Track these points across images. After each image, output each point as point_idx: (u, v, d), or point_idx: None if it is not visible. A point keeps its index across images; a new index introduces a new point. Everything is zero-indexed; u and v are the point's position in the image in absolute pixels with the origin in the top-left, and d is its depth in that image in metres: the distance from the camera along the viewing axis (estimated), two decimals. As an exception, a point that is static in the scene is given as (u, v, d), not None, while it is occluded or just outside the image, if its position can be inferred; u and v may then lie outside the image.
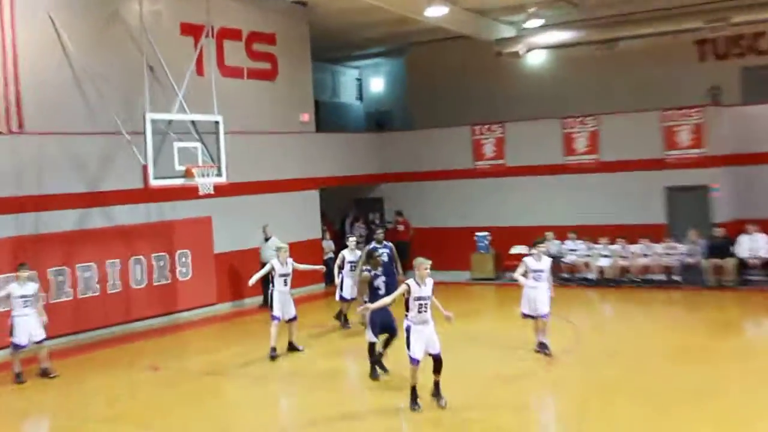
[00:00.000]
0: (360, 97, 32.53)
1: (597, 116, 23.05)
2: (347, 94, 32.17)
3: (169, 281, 19.54)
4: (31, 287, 14.34)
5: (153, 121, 16.11)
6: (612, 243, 21.73)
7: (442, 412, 11.06)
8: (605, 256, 21.68)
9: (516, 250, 23.50)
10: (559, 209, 23.39)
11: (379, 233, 17.41)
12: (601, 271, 21.65)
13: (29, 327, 14.16)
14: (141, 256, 18.93)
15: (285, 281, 15.06)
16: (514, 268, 23.12)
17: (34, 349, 14.37)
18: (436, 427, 10.69)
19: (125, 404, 12.70)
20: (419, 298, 11.10)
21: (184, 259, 19.89)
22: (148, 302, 19.02)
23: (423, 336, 11.07)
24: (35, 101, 17.08)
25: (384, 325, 12.88)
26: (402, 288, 11.15)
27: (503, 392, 12.18)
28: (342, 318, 17.45)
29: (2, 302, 14.56)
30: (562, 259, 22.21)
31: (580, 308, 19.30)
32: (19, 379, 14.05)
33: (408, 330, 11.09)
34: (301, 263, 15.72)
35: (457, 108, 26.83)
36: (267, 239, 20.36)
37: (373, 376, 12.94)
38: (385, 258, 16.82)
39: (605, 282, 21.49)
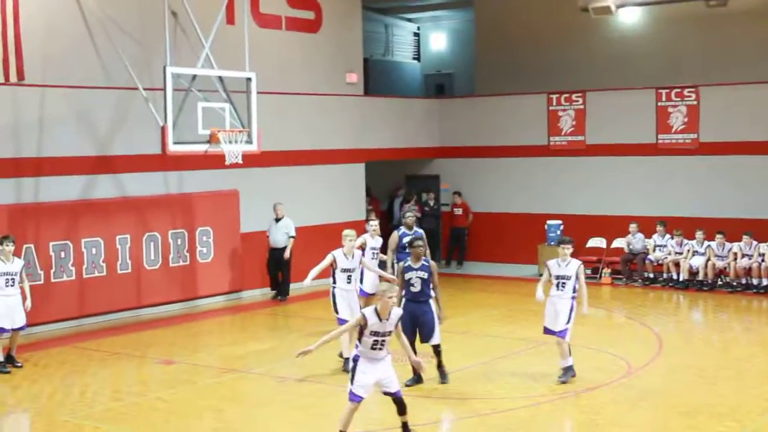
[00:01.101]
0: (417, 56, 32.44)
1: (699, 88, 22.75)
2: (402, 52, 32.10)
3: (187, 263, 19.75)
4: (17, 264, 14.56)
5: (174, 76, 16.18)
6: (708, 239, 21.47)
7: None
8: (698, 253, 21.43)
9: (593, 242, 23.39)
10: (647, 197, 23.16)
11: (409, 216, 17.06)
12: (693, 271, 21.40)
13: (12, 310, 14.38)
14: (156, 233, 19.16)
15: (349, 278, 14.23)
16: (589, 265, 23.32)
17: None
18: None
19: (132, 402, 12.87)
20: (375, 333, 10.27)
21: (205, 238, 20.09)
22: (162, 286, 19.27)
23: (375, 370, 10.39)
24: (38, 47, 17.26)
25: (415, 325, 12.79)
26: (356, 318, 10.50)
27: (570, 407, 12.14)
28: None
29: None
30: (647, 257, 22.01)
31: (664, 314, 19.12)
32: (2, 368, 14.31)
33: (356, 360, 10.43)
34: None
35: (532, 73, 26.59)
36: (278, 220, 20.43)
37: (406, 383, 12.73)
38: None
39: (697, 284, 21.25)
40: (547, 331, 13.53)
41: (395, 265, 17.14)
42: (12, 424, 12.08)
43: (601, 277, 22.58)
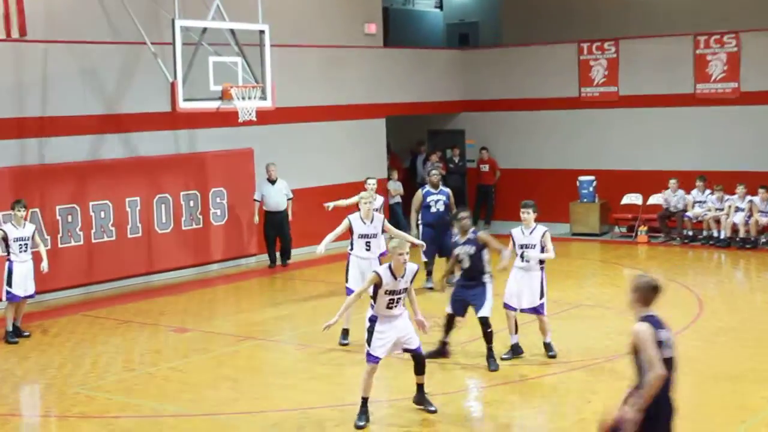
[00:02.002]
0: (440, 4, 32.21)
1: (739, 34, 22.47)
2: (424, 0, 31.89)
3: (200, 226, 19.78)
4: (29, 229, 14.67)
5: (183, 30, 16.13)
6: (750, 194, 21.28)
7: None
8: (740, 209, 21.26)
9: (629, 199, 23.26)
10: (686, 150, 23.00)
11: (434, 174, 16.90)
12: (735, 228, 21.25)
13: (26, 277, 14.51)
14: (167, 195, 19.16)
15: (368, 245, 13.79)
16: (625, 222, 23.21)
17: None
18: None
19: (145, 372, 12.93)
20: (391, 292, 10.29)
21: (218, 200, 20.09)
22: (174, 251, 19.32)
23: (393, 329, 10.40)
24: (40, 1, 17.20)
25: (467, 305, 12.38)
26: (369, 278, 10.44)
27: (604, 373, 12.09)
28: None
29: None
30: (686, 213, 21.86)
31: (705, 274, 19.03)
32: (11, 337, 14.42)
33: (372, 321, 10.42)
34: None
35: (561, 20, 26.37)
36: (273, 182, 20.19)
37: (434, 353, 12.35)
38: (441, 207, 16.68)
39: (739, 242, 21.10)
40: (507, 306, 12.63)
41: (419, 225, 17.10)
42: (21, 396, 12.13)
43: (636, 235, 22.46)
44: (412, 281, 10.40)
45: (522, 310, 12.60)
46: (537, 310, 12.59)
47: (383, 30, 24.61)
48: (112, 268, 18.29)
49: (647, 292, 7.50)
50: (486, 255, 12.28)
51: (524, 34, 26.55)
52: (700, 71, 22.89)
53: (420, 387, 10.79)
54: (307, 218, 20.70)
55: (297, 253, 20.54)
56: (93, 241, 17.95)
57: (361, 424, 10.30)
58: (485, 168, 25.49)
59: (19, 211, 14.50)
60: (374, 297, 10.33)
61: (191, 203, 19.58)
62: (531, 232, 12.59)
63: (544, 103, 25.00)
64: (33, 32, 16.73)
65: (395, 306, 10.33)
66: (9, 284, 14.42)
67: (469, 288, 12.29)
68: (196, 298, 17.66)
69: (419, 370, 10.69)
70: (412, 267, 10.37)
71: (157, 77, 17.17)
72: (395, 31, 28.18)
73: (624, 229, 23.30)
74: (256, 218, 20.19)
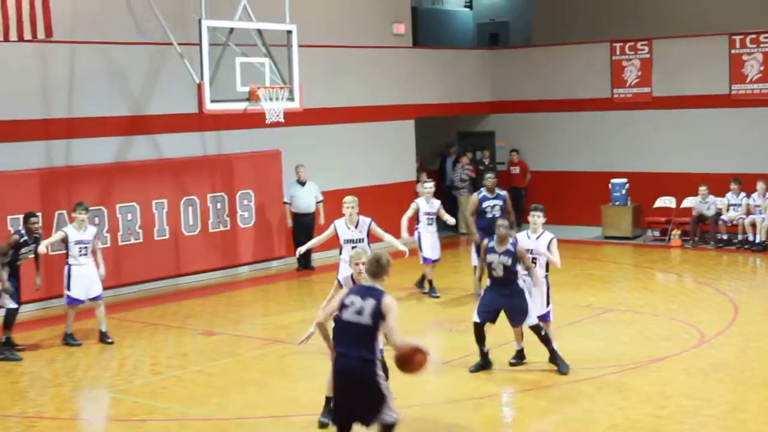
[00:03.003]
0: (469, 4, 32.21)
1: (776, 32, 22.41)
2: (454, 0, 31.90)
3: (227, 228, 19.88)
4: (90, 232, 14.67)
5: (210, 30, 16.20)
6: (789, 196, 21.19)
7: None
8: (777, 212, 21.15)
9: (662, 202, 23.18)
10: (720, 152, 22.88)
11: (490, 178, 16.72)
12: (772, 231, 21.14)
13: (86, 280, 14.51)
14: (194, 197, 19.28)
15: (353, 249, 13.75)
16: (657, 226, 23.11)
17: (90, 306, 14.78)
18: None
19: (172, 375, 13.02)
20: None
21: (246, 202, 20.19)
22: (201, 253, 19.42)
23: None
24: (66, 2, 17.34)
25: (497, 312, 12.21)
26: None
27: (637, 378, 12.07)
28: (425, 284, 17.35)
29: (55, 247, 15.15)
30: (721, 217, 21.74)
31: (740, 278, 18.92)
32: (70, 340, 14.50)
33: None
34: (382, 228, 14.44)
35: (594, 20, 26.33)
36: (303, 184, 20.22)
37: (472, 367, 12.45)
38: (497, 213, 16.58)
39: (780, 245, 21.02)
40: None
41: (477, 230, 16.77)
42: (48, 400, 12.25)
43: (670, 239, 22.36)
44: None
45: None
46: (544, 318, 12.32)
47: (412, 30, 24.64)
48: (139, 270, 18.41)
49: (373, 266, 8.49)
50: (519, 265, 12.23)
51: (555, 34, 26.52)
52: (735, 71, 22.79)
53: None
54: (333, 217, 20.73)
55: (325, 256, 20.57)
56: (120, 243, 18.08)
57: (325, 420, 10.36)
58: (516, 170, 25.47)
59: (80, 214, 14.49)
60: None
61: (218, 205, 19.69)
62: (537, 238, 12.36)
63: (575, 104, 24.96)
64: (59, 33, 16.84)
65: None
66: (68, 288, 14.45)
67: (504, 296, 12.13)
68: (224, 301, 17.75)
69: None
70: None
71: (183, 78, 17.26)
72: (424, 31, 28.19)
73: (657, 233, 23.22)
74: (289, 221, 20.22)
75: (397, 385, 10.70)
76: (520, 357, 12.61)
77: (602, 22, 25.99)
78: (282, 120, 17.12)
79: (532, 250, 12.27)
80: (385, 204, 20.93)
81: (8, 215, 16.51)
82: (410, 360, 8.19)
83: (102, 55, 17.95)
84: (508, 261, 12.01)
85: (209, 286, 18.97)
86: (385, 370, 8.73)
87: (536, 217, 12.42)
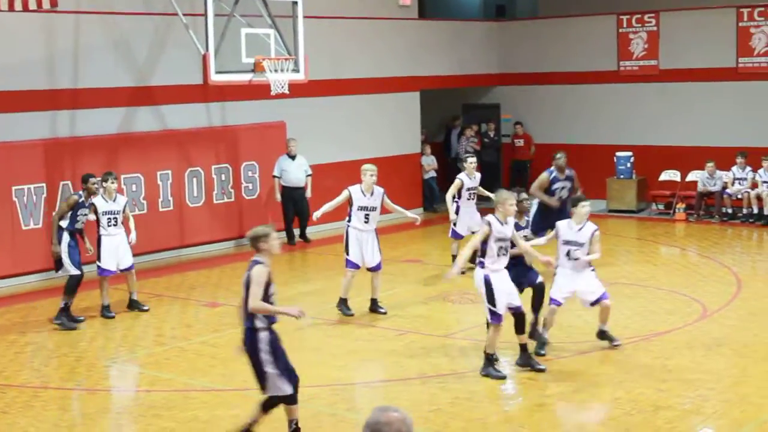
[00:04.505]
0: (476, -24, 32.07)
1: (783, 6, 22.32)
2: (460, -28, 31.78)
3: (232, 200, 19.90)
4: (120, 202, 14.63)
5: (216, 1, 16.17)
6: (793, 170, 21.15)
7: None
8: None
9: (667, 176, 23.15)
10: (726, 126, 22.83)
11: (560, 157, 16.51)
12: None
13: (117, 250, 14.49)
14: (198, 168, 19.30)
15: (366, 217, 14.03)
16: (662, 199, 23.07)
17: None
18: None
19: (176, 346, 13.08)
20: (501, 240, 10.99)
21: (250, 173, 20.19)
22: (206, 224, 19.47)
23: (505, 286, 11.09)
24: (73, -27, 17.35)
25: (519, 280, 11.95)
26: (481, 230, 11.10)
27: (640, 352, 12.10)
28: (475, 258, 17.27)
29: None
30: (726, 190, 21.71)
31: (744, 252, 18.96)
32: (107, 312, 14.49)
33: (487, 279, 10.96)
34: (394, 200, 14.57)
35: (600, -8, 26.23)
36: (293, 158, 20.13)
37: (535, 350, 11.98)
38: (564, 195, 16.48)
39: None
40: (553, 301, 11.98)
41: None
42: (52, 370, 12.31)
43: (674, 212, 22.35)
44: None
45: (592, 304, 12.06)
46: (603, 297, 11.96)
47: (418, 1, 24.56)
48: (144, 241, 18.23)
49: (253, 241, 9.17)
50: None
51: (562, 6, 26.39)
52: (743, 45, 22.69)
53: (523, 347, 11.33)
54: (339, 193, 20.76)
55: (325, 228, 20.58)
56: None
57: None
58: (520, 143, 25.44)
59: (112, 183, 14.42)
60: (483, 250, 10.94)
61: (223, 177, 19.70)
62: (580, 229, 11.92)
63: (581, 76, 24.88)
64: (64, 3, 16.82)
65: (505, 255, 11.05)
66: (99, 258, 14.41)
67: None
68: (228, 273, 17.78)
69: (520, 329, 11.21)
70: (511, 220, 11.19)
71: (188, 49, 17.25)
72: (430, 2, 28.09)
73: (662, 206, 23.21)
74: (278, 195, 20.17)
75: (400, 357, 10.75)
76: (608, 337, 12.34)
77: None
78: (287, 91, 17.10)
79: (573, 241, 11.89)
80: (390, 176, 20.92)
81: (12, 185, 16.56)
82: None
83: (107, 26, 17.92)
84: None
85: (213, 258, 19.02)
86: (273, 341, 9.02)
87: (584, 208, 11.97)
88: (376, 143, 22.46)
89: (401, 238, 20.41)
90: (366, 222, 13.96)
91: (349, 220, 14.09)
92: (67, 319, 13.91)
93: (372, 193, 13.99)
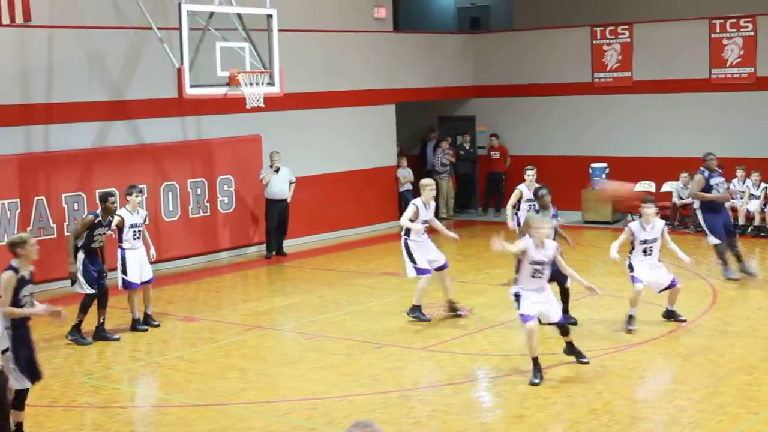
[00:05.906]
0: (450, -12, 32.15)
1: (756, 17, 22.44)
2: (434, -16, 31.86)
3: (207, 214, 19.85)
4: (142, 215, 14.66)
5: (190, 14, 16.15)
6: (765, 181, 21.23)
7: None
8: (755, 197, 21.21)
9: (641, 187, 23.21)
10: (699, 136, 22.88)
11: (713, 159, 17.00)
12: (750, 216, 21.19)
13: (140, 263, 14.50)
14: (173, 182, 19.24)
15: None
16: (637, 210, 23.10)
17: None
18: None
19: (152, 362, 13.02)
20: (536, 263, 11.37)
21: (226, 187, 20.15)
22: (181, 239, 19.40)
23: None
24: (47, -13, 17.30)
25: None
26: (518, 245, 11.50)
27: (615, 363, 12.13)
28: None
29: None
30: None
31: (717, 263, 18.96)
32: (139, 325, 14.47)
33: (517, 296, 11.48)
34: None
35: (574, 4, 26.35)
36: (277, 170, 20.06)
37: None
38: (721, 190, 17.10)
39: (754, 230, 21.07)
40: (635, 279, 13.63)
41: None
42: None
43: (649, 223, 22.37)
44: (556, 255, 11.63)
45: (662, 290, 13.72)
46: (673, 283, 13.60)
47: (393, 14, 24.62)
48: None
49: (11, 247, 9.53)
50: None
51: (536, 18, 26.53)
52: (715, 56, 22.85)
53: (569, 344, 11.93)
54: (315, 206, 20.80)
55: (305, 242, 20.57)
56: (99, 229, 18.00)
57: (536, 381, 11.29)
58: (496, 155, 25.49)
59: (137, 196, 14.46)
60: (518, 269, 11.47)
61: (198, 191, 19.65)
62: (653, 228, 13.40)
63: (556, 88, 24.97)
64: (37, 17, 16.78)
65: (540, 276, 11.40)
66: (124, 272, 14.40)
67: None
68: (204, 287, 17.74)
69: (564, 332, 11.86)
70: (551, 243, 11.60)
71: (163, 63, 17.22)
72: (405, 15, 28.17)
73: (637, 217, 23.22)
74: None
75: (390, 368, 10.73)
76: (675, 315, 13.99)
77: (583, 6, 26.02)
78: (262, 105, 17.13)
79: (648, 239, 13.43)
80: (365, 188, 20.97)
81: (-13, 201, 16.46)
82: None
83: (81, 40, 17.87)
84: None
85: (189, 272, 18.96)
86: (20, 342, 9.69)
87: (648, 209, 13.43)
88: (352, 156, 22.48)
89: (378, 251, 20.41)
90: (423, 233, 14.51)
91: (406, 234, 14.41)
92: (80, 335, 13.89)
93: (429, 207, 14.54)
